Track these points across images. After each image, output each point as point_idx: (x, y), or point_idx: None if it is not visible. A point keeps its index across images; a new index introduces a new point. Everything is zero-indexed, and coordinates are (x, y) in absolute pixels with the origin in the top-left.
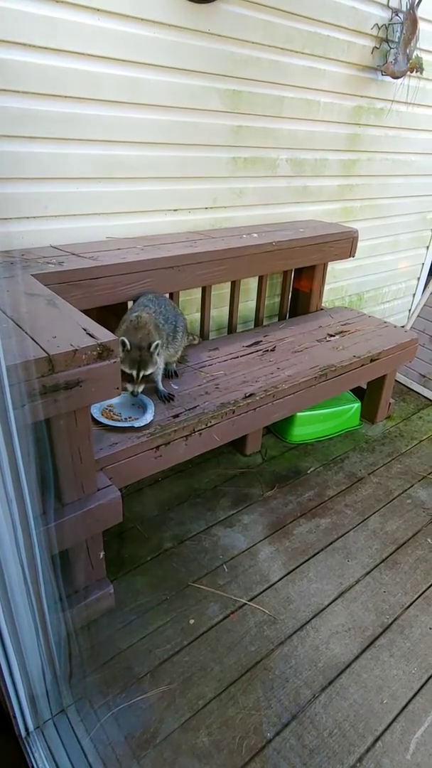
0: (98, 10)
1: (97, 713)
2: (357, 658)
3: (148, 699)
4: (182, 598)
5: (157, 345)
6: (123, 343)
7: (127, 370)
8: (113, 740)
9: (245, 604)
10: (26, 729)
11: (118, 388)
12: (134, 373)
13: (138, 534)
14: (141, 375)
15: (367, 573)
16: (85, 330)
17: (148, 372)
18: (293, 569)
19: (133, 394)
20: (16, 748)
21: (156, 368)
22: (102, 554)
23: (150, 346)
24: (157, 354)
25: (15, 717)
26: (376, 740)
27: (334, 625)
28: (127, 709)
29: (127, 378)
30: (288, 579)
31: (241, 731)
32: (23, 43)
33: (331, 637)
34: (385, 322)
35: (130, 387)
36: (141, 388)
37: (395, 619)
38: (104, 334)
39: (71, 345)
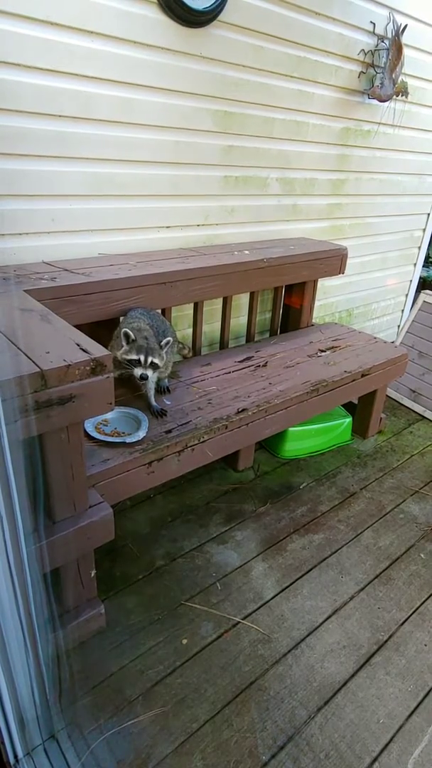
0: (92, 32)
1: (89, 738)
2: (353, 676)
3: (140, 723)
4: (175, 618)
5: (168, 341)
6: (126, 335)
7: (134, 356)
8: (105, 766)
9: (239, 622)
10: (15, 756)
11: (111, 404)
12: (141, 357)
13: (130, 552)
14: (149, 360)
15: (361, 589)
16: (78, 345)
17: (156, 360)
18: (287, 586)
19: (142, 377)
20: None
21: (163, 363)
22: (93, 573)
23: (161, 341)
24: (165, 352)
25: (4, 743)
26: (374, 761)
27: (329, 642)
28: (118, 734)
29: (133, 363)
30: (282, 596)
31: (236, 755)
32: (18, 64)
33: (326, 655)
34: (375, 338)
35: (137, 371)
36: (149, 372)
37: (390, 636)
38: (97, 350)
39: (64, 360)
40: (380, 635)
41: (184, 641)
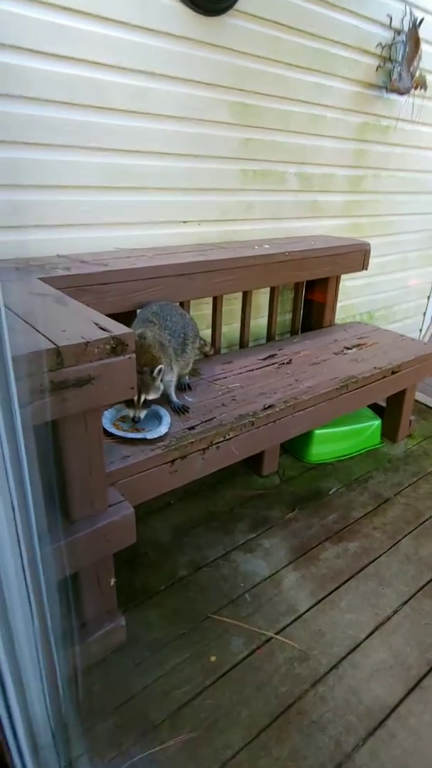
0: (107, 18)
1: (111, 766)
2: (402, 700)
3: (167, 749)
4: (201, 632)
5: (160, 370)
6: None
7: None
8: None
9: (272, 637)
10: None
11: (133, 387)
12: (134, 397)
13: (150, 560)
14: (142, 399)
15: (405, 602)
16: (96, 324)
17: (150, 397)
18: (322, 598)
19: (135, 419)
20: None
21: (159, 393)
22: (113, 581)
23: (153, 370)
24: (161, 379)
25: None
26: None
27: (374, 661)
28: (144, 761)
29: (126, 402)
30: (318, 609)
31: None
32: (31, 49)
33: (372, 675)
34: (402, 336)
35: (131, 412)
36: (143, 414)
37: None
38: (118, 327)
39: (82, 337)
40: (430, 655)
41: (213, 658)
